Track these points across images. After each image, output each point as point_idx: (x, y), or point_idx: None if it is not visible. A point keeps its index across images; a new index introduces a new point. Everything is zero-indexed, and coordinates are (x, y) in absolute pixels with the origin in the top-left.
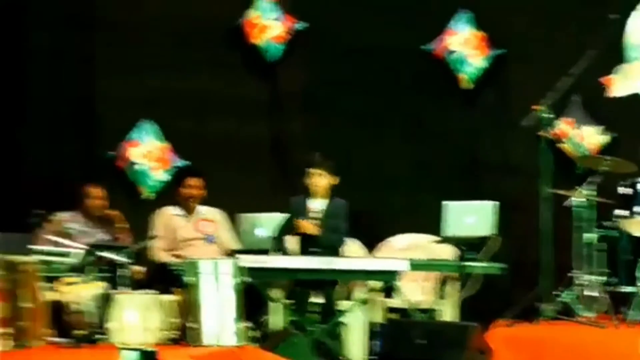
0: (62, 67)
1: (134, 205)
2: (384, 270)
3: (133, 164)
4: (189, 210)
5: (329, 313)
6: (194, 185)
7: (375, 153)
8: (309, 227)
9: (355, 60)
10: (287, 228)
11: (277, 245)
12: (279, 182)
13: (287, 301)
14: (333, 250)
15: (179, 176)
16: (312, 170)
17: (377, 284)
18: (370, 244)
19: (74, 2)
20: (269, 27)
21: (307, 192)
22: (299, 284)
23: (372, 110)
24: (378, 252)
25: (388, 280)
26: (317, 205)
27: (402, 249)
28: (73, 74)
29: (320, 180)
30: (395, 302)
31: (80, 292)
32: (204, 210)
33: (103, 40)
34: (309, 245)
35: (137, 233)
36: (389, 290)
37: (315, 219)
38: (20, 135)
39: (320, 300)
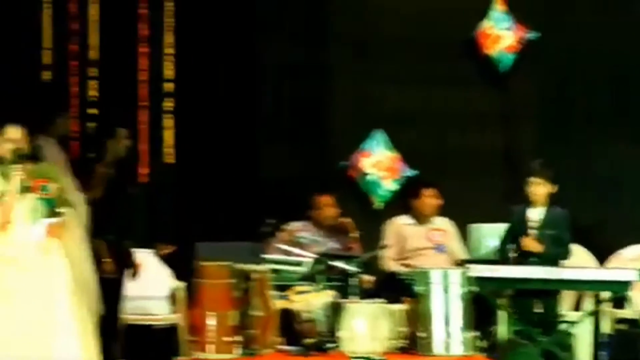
0: (297, 80)
1: (365, 215)
2: (613, 281)
3: (365, 174)
4: (423, 220)
5: (550, 323)
6: (431, 196)
7: (608, 162)
8: (533, 244)
9: (587, 69)
10: (509, 237)
11: (501, 255)
12: (513, 192)
13: (511, 310)
14: (554, 263)
15: (408, 186)
16: (531, 179)
17: (606, 294)
18: (601, 256)
19: (310, 16)
20: (501, 37)
21: (527, 201)
22: (522, 294)
23: (604, 119)
24: (608, 263)
25: (617, 291)
26: (535, 214)
27: (632, 260)
28: (308, 86)
29: (539, 188)
30: (626, 312)
31: (311, 301)
32: (437, 220)
33: (339, 53)
34: (529, 256)
35: (367, 242)
36: (618, 301)
37: (534, 228)
38: (255, 145)
39: (539, 310)
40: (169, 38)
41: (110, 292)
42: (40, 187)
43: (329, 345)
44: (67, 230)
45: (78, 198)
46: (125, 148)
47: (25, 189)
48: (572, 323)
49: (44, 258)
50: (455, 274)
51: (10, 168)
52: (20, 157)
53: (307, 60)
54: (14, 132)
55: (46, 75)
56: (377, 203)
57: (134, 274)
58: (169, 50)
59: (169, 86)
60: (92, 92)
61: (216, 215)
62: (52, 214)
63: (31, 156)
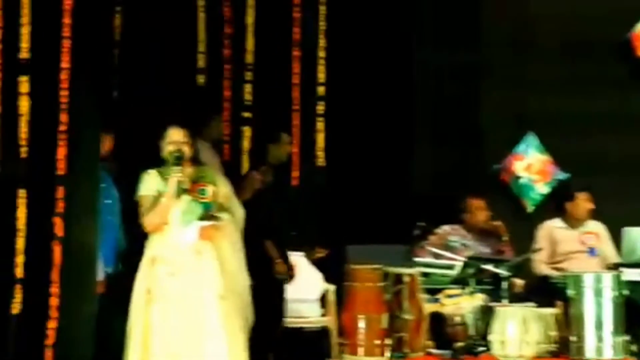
0: (449, 83)
1: (516, 218)
2: None
3: (517, 177)
4: (575, 224)
5: None
6: (585, 199)
7: None
8: None
9: None
10: None
11: None
12: None
13: None
14: None
15: (559, 189)
16: None
17: None
18: None
19: (464, 18)
20: None
21: None
22: None
23: None
24: None
25: None
26: None
27: None
28: (460, 90)
29: None
30: None
31: (462, 304)
32: (589, 224)
33: (492, 55)
34: None
35: (519, 246)
36: None
37: None
38: (407, 148)
39: None
40: (321, 41)
41: (273, 295)
42: (198, 190)
43: (479, 348)
44: (221, 234)
45: (235, 203)
46: (287, 153)
47: (182, 191)
48: None
49: (196, 261)
50: (608, 278)
51: (170, 170)
52: (179, 159)
53: (460, 62)
54: (176, 134)
55: (201, 79)
56: (529, 207)
57: (290, 278)
58: (321, 54)
59: (321, 89)
60: (247, 95)
61: (367, 218)
62: (207, 217)
63: (192, 159)
